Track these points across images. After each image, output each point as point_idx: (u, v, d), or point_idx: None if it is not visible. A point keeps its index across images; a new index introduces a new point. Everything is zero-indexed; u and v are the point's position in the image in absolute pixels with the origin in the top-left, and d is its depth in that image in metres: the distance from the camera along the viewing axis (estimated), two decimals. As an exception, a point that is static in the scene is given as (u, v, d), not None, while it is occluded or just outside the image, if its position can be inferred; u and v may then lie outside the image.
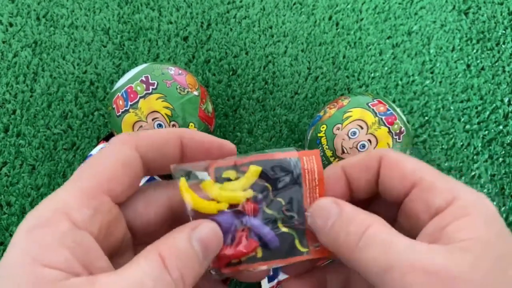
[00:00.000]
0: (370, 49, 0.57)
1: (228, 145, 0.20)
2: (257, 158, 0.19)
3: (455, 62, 0.57)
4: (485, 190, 0.53)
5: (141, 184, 0.19)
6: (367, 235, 0.16)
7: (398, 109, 0.45)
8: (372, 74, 0.56)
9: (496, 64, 0.57)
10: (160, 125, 0.42)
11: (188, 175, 0.18)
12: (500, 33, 0.58)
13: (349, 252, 0.17)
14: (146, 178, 0.47)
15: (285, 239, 0.19)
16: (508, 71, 0.57)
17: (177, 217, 0.19)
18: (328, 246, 0.18)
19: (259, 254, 0.18)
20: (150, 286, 0.15)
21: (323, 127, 0.44)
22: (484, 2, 0.59)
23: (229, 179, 0.19)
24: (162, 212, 0.19)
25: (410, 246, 0.16)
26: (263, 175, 0.19)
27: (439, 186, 0.17)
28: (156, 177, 0.48)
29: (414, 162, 0.18)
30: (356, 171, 0.20)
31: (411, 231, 0.18)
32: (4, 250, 0.48)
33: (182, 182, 0.18)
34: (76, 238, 0.15)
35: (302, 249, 0.19)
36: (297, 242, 0.19)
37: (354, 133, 0.42)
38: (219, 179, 0.19)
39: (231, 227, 0.18)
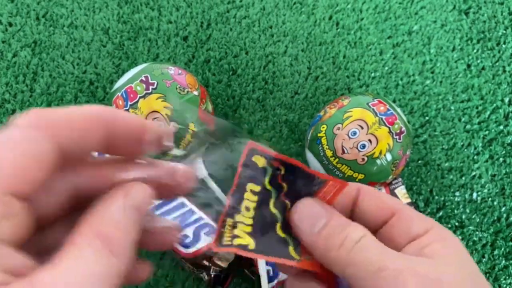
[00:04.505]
0: (370, 49, 0.57)
1: (152, 126, 0.18)
2: (292, 162, 0.19)
3: (455, 62, 0.57)
4: (485, 190, 0.53)
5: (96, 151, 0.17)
6: (363, 240, 0.18)
7: (398, 109, 0.44)
8: (373, 74, 0.56)
9: (497, 64, 0.57)
10: (160, 125, 0.42)
11: None
12: (500, 33, 0.58)
13: (344, 253, 0.18)
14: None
15: (280, 242, 0.19)
16: (509, 71, 0.57)
17: (83, 200, 0.17)
18: (311, 247, 0.19)
19: (251, 246, 0.19)
20: (102, 277, 0.13)
21: (323, 127, 0.44)
22: (485, 2, 0.59)
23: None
24: (64, 200, 0.16)
25: (401, 254, 0.18)
26: (285, 175, 0.20)
27: (417, 218, 0.19)
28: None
29: (390, 197, 0.21)
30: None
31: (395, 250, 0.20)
32: (3, 250, 0.48)
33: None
34: None
35: (294, 256, 0.19)
36: (291, 249, 0.19)
37: (355, 133, 0.42)
38: (247, 161, 0.19)
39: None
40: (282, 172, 0.20)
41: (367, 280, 0.17)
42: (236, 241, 0.19)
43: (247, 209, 0.19)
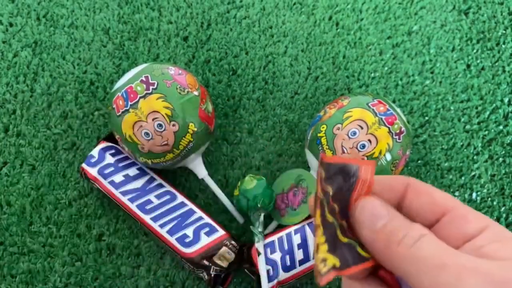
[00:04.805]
0: (370, 49, 0.57)
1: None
2: (325, 159, 0.20)
3: (455, 62, 0.57)
4: (485, 190, 0.53)
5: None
6: (425, 238, 0.18)
7: (398, 109, 0.45)
8: (372, 74, 0.56)
9: (496, 64, 0.57)
10: (160, 125, 0.42)
11: None
12: (500, 33, 0.58)
13: (405, 249, 0.18)
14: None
15: (348, 248, 0.19)
16: (508, 71, 0.57)
17: None
18: (370, 243, 0.19)
19: (337, 264, 0.19)
20: None
21: (323, 127, 0.44)
22: (484, 2, 0.59)
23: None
24: None
25: (463, 253, 0.17)
26: (326, 177, 0.20)
27: (472, 216, 0.19)
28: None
29: (443, 193, 0.20)
30: (381, 189, 0.21)
31: None
32: (4, 250, 0.48)
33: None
34: None
35: (365, 255, 0.19)
36: (359, 249, 0.19)
37: (354, 133, 0.42)
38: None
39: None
40: (324, 174, 0.20)
41: (427, 276, 0.16)
42: (329, 264, 0.18)
43: (317, 227, 0.19)
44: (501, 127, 0.55)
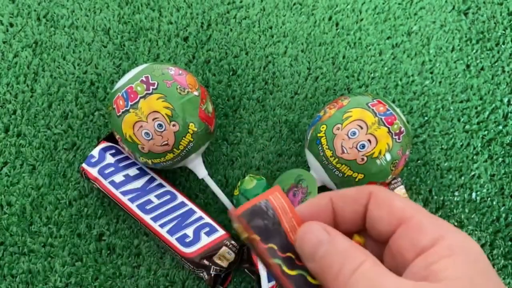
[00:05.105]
0: (370, 49, 0.57)
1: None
2: (241, 211, 0.19)
3: (454, 62, 0.57)
4: (484, 190, 0.53)
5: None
6: (359, 272, 0.17)
7: (397, 109, 0.45)
8: (372, 74, 0.56)
9: (496, 64, 0.57)
10: (160, 125, 0.42)
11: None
12: (499, 33, 0.58)
13: (339, 285, 0.17)
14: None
15: (298, 280, 0.19)
16: (508, 71, 0.57)
17: None
18: (316, 274, 0.18)
19: None
20: None
21: (323, 127, 0.44)
22: (484, 3, 0.59)
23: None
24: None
25: (399, 281, 0.16)
26: (247, 228, 0.19)
27: (426, 226, 0.17)
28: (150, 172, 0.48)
29: (403, 201, 0.19)
30: (344, 203, 0.20)
31: (397, 269, 0.18)
32: (4, 250, 0.48)
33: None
34: None
35: (316, 282, 0.19)
36: (309, 278, 0.19)
37: (354, 133, 0.42)
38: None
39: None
40: (241, 228, 0.20)
41: None
42: None
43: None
44: (500, 127, 0.55)
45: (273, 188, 0.20)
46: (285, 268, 0.19)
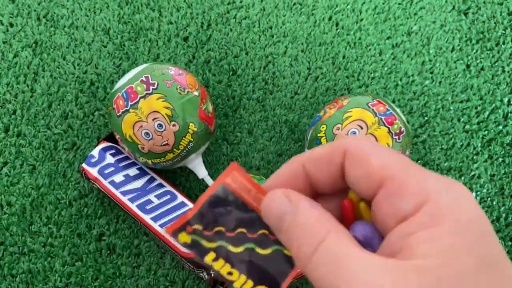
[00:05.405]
0: (370, 49, 0.57)
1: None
2: (199, 204, 0.18)
3: (454, 62, 0.57)
4: (484, 190, 0.53)
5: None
6: (320, 250, 0.15)
7: (397, 109, 0.45)
8: (372, 74, 0.56)
9: (496, 64, 0.57)
10: (160, 125, 0.42)
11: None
12: (499, 33, 0.58)
13: (303, 264, 0.15)
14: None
15: (276, 258, 0.18)
16: (508, 71, 0.57)
17: None
18: (286, 247, 0.17)
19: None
20: None
21: (323, 127, 0.44)
22: (484, 2, 0.59)
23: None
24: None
25: (361, 264, 0.14)
26: (207, 225, 0.18)
27: (410, 187, 0.15)
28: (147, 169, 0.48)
29: (383, 156, 0.16)
30: (316, 166, 0.18)
31: (383, 233, 0.16)
32: (4, 250, 0.48)
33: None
34: None
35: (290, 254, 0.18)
36: (285, 251, 0.18)
37: (354, 133, 0.42)
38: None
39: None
40: (201, 227, 0.18)
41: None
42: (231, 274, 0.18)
43: (230, 274, 0.18)
44: (500, 127, 0.55)
45: (228, 168, 0.18)
46: (258, 250, 0.17)
